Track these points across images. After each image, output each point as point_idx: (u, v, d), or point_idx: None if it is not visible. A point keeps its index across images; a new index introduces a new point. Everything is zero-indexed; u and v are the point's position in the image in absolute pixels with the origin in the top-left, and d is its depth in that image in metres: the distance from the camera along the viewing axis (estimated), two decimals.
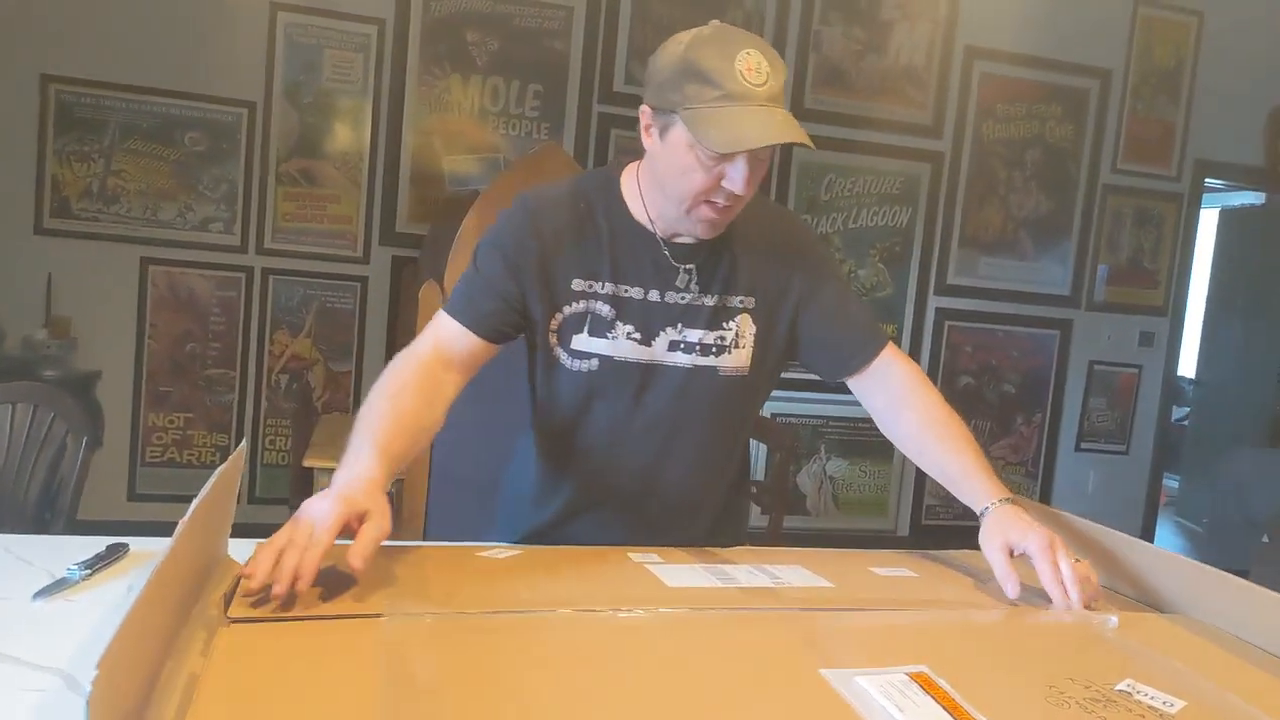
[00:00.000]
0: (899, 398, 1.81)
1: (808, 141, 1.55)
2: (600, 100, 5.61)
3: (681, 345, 1.77)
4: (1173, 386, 6.89)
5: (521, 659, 1.11)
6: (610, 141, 5.62)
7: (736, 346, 1.79)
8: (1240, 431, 7.24)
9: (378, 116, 5.37)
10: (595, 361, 1.76)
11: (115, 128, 5.09)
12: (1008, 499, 1.62)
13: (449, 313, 1.73)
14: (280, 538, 1.25)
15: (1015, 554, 1.53)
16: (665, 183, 1.67)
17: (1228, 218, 7.78)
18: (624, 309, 1.75)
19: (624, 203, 1.77)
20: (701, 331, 1.77)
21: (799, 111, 5.76)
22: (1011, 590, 1.49)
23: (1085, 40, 6.24)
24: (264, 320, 5.37)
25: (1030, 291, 6.40)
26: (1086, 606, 1.44)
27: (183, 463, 5.34)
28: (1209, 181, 6.67)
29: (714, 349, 1.78)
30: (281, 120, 5.27)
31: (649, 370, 1.77)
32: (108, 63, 5.04)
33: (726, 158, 1.57)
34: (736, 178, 1.58)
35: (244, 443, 1.57)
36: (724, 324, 1.78)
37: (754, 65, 1.55)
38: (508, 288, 1.72)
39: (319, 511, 1.28)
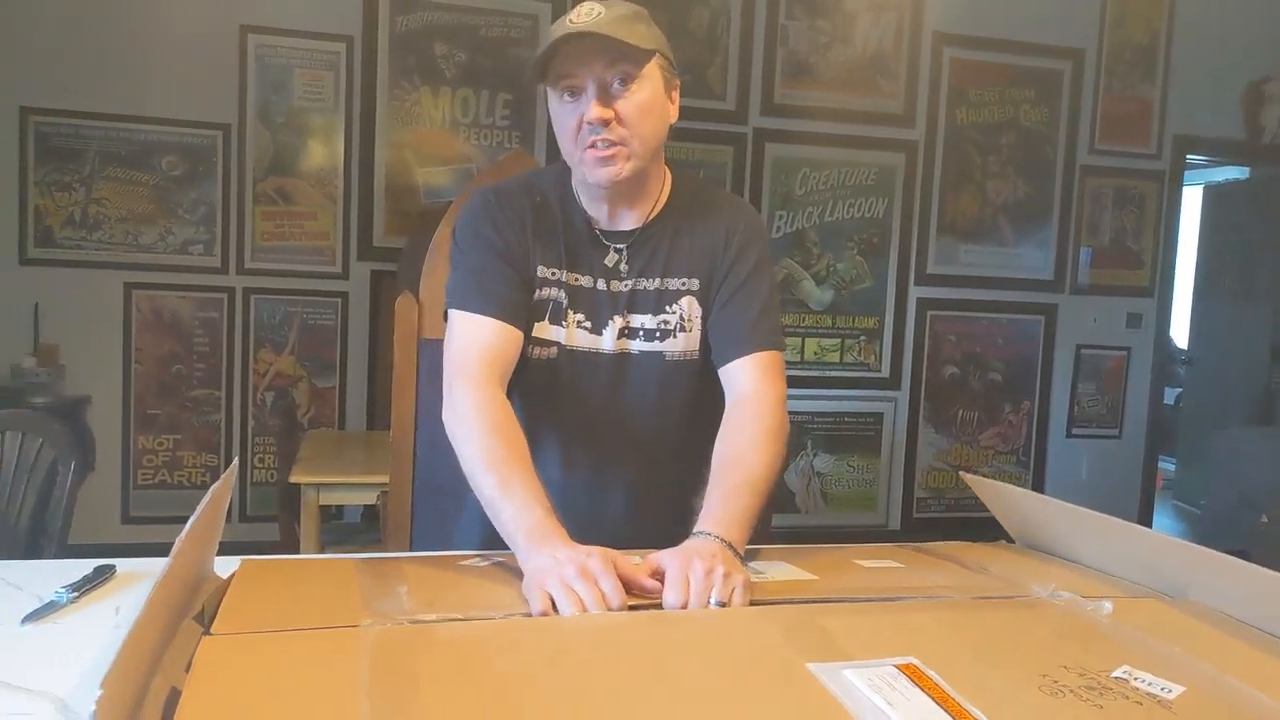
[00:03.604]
0: (730, 410, 1.72)
1: (617, 35, 1.57)
2: None
3: (628, 332, 1.78)
4: (1163, 368, 6.85)
5: (502, 661, 1.10)
6: None
7: (683, 330, 1.79)
8: (1234, 410, 7.21)
9: (350, 132, 5.39)
10: (555, 350, 1.77)
11: (94, 156, 5.12)
12: (717, 536, 1.43)
13: (478, 312, 1.67)
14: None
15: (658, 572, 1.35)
16: (561, 148, 1.71)
17: (1212, 193, 7.79)
18: (575, 297, 1.76)
19: (574, 194, 1.79)
20: (646, 317, 1.78)
21: (769, 107, 5.79)
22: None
23: (1055, 20, 6.22)
24: (247, 339, 5.38)
25: (1012, 277, 6.37)
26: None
27: (174, 484, 5.35)
28: (1190, 157, 6.63)
29: (658, 334, 1.79)
30: (256, 141, 5.29)
31: (600, 359, 1.78)
32: (84, 92, 5.07)
33: (570, 91, 1.63)
34: (584, 106, 1.62)
35: (235, 461, 1.57)
36: (667, 307, 1.79)
37: (585, 9, 1.60)
38: (508, 271, 1.72)
39: (597, 568, 1.28)
